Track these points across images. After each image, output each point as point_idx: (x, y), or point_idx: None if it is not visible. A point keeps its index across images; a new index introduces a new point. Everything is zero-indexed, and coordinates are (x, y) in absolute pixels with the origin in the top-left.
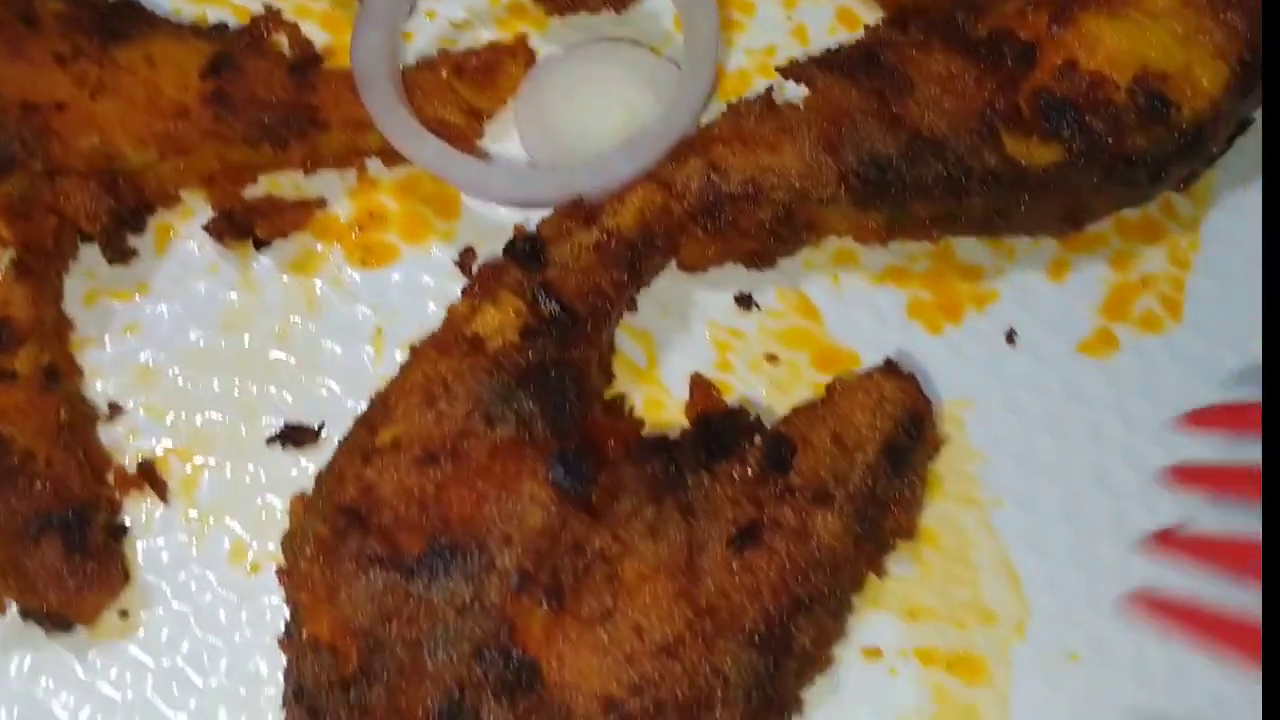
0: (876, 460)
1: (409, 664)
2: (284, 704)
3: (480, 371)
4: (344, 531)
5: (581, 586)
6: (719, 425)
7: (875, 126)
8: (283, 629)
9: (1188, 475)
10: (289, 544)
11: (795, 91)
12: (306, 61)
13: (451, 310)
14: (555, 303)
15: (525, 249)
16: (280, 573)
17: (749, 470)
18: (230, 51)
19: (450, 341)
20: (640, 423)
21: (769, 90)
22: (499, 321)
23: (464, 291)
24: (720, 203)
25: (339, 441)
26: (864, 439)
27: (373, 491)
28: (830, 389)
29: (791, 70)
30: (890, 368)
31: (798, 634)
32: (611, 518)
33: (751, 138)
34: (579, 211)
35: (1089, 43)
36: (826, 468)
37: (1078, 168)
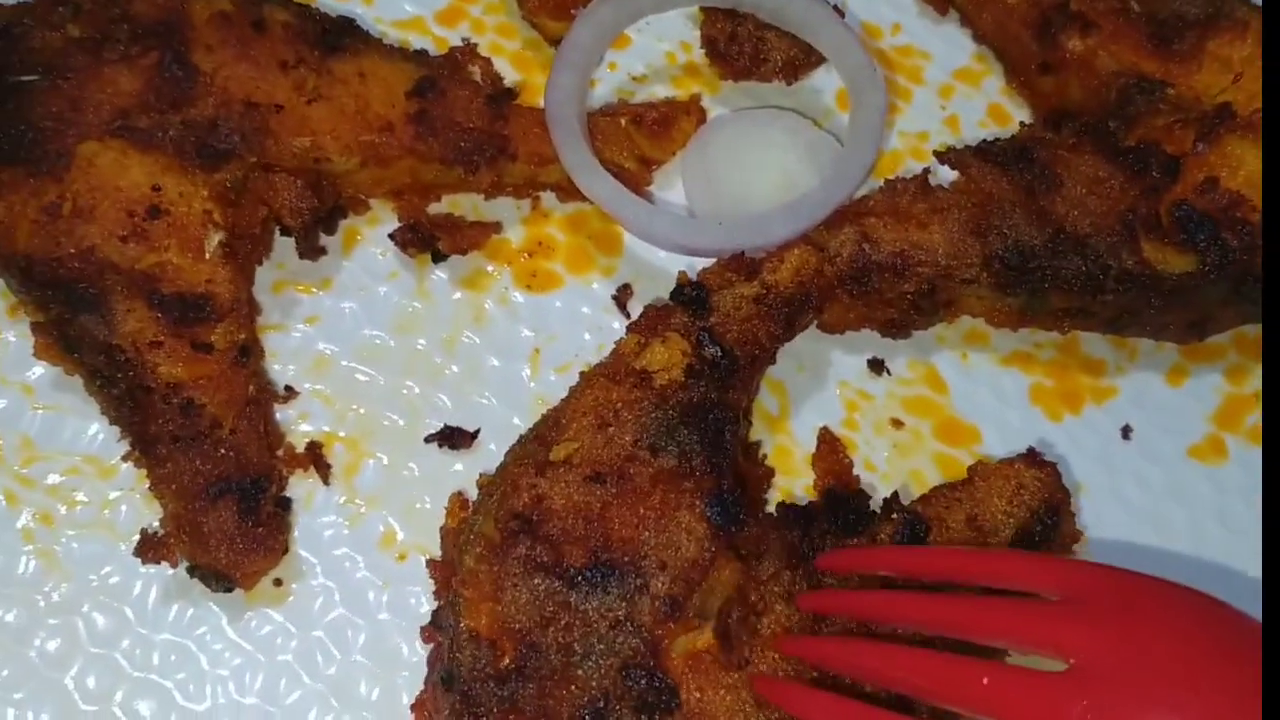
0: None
1: (560, 669)
2: (428, 688)
3: (648, 404)
4: (514, 536)
5: (741, 635)
6: (848, 502)
7: (1022, 217)
8: (428, 617)
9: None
10: (450, 539)
11: (947, 175)
12: (502, 94)
13: (622, 345)
14: (717, 347)
15: (692, 295)
16: (432, 564)
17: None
18: (435, 76)
19: (621, 372)
20: (771, 471)
21: (925, 171)
22: (666, 359)
23: (629, 328)
24: (868, 271)
25: (499, 449)
26: (999, 524)
27: (544, 502)
28: (971, 471)
29: (948, 156)
30: (1032, 456)
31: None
32: (757, 572)
33: (904, 214)
34: (741, 265)
35: (1231, 164)
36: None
37: (1209, 279)
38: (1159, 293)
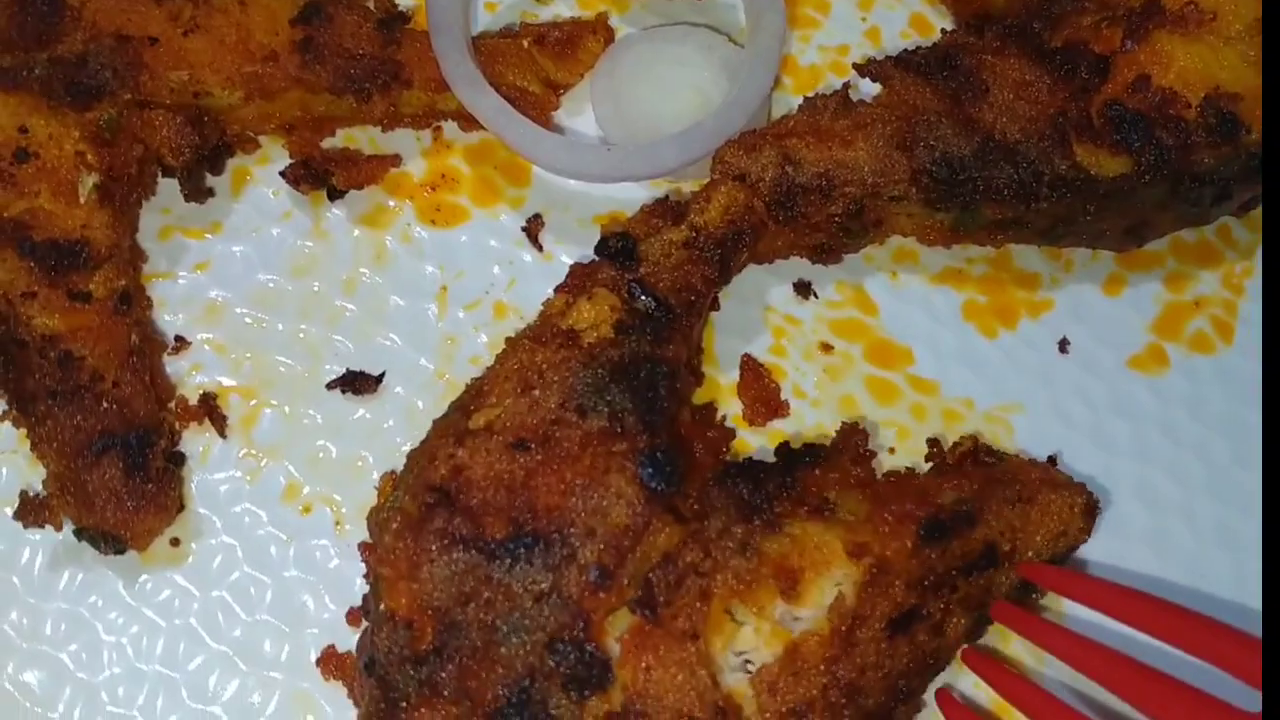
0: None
1: (482, 647)
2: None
3: (575, 363)
4: (431, 510)
5: (673, 599)
6: (802, 455)
7: (949, 127)
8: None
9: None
10: (374, 518)
11: (870, 90)
12: (394, 17)
13: (547, 305)
14: (650, 298)
15: (618, 247)
16: (363, 545)
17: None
18: (320, 1)
19: (546, 334)
20: (731, 432)
21: (845, 86)
22: (594, 316)
23: (557, 289)
24: (793, 194)
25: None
26: (1030, 549)
27: (463, 473)
28: (1025, 489)
29: (868, 68)
30: (1087, 499)
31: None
32: (702, 534)
33: (827, 132)
34: (667, 209)
35: (1162, 60)
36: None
37: (1144, 181)
38: (1094, 198)
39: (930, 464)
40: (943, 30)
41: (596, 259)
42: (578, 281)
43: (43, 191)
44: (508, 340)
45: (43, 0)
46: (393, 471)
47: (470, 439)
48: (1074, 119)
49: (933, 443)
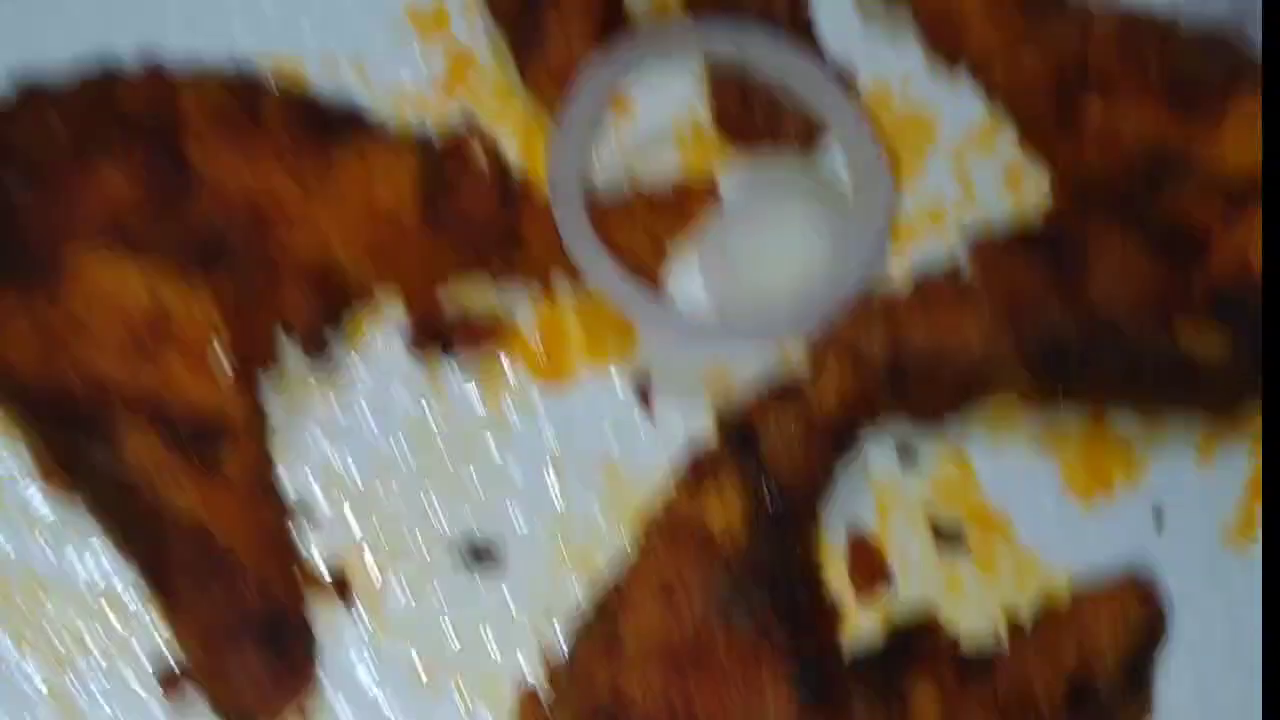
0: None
1: None
2: None
3: (713, 567)
4: None
5: None
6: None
7: (1055, 306)
8: None
9: None
10: None
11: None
12: (512, 182)
13: (672, 500)
14: (776, 490)
15: (740, 437)
16: None
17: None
18: (442, 165)
19: (679, 533)
20: (837, 610)
21: (954, 265)
22: (724, 514)
23: (679, 476)
24: (903, 371)
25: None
26: (1104, 652)
27: (622, 693)
28: (1075, 600)
29: (978, 248)
30: (1134, 581)
31: None
32: None
33: (936, 309)
34: (782, 393)
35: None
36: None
37: (1245, 361)
38: (1196, 378)
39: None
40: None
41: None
42: (699, 469)
43: (176, 362)
44: (640, 536)
45: (171, 163)
46: (532, 692)
47: (623, 657)
48: (1176, 299)
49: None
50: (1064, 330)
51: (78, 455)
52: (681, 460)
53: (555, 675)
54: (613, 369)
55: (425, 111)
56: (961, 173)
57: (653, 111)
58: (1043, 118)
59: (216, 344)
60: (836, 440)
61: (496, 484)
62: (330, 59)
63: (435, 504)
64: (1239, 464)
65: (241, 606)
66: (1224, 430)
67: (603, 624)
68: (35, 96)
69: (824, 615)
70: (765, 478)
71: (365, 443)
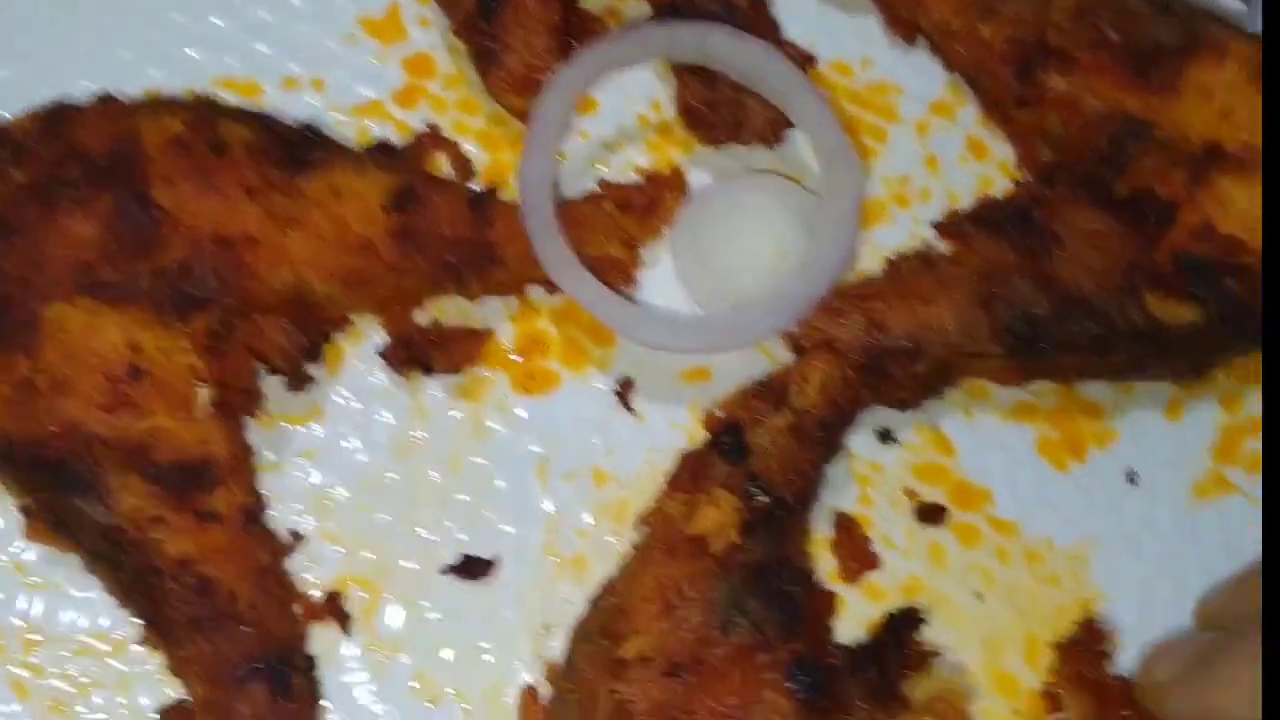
0: None
1: None
2: None
3: (710, 576)
4: None
5: None
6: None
7: (1027, 283)
8: None
9: None
10: None
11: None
12: (485, 195)
13: (667, 506)
14: (766, 494)
15: (729, 443)
16: None
17: None
18: (411, 184)
19: (675, 544)
20: (831, 597)
21: (925, 247)
22: (718, 520)
23: (670, 482)
24: (881, 359)
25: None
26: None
27: (627, 707)
28: None
29: (948, 227)
30: None
31: None
32: None
33: (909, 293)
34: (766, 392)
35: (1223, 204)
36: None
37: (1215, 328)
38: (1167, 345)
39: None
40: (1017, 182)
41: (706, 452)
42: (690, 476)
43: (159, 409)
44: (636, 548)
45: (138, 206)
46: (533, 690)
47: (626, 671)
48: (1145, 269)
49: None
50: (1036, 306)
51: (67, 510)
52: (671, 466)
53: (552, 676)
54: (593, 375)
55: (388, 124)
56: (925, 149)
57: (618, 110)
58: (1003, 91)
59: (198, 386)
60: (824, 436)
61: (485, 497)
62: (288, 79)
63: (423, 520)
64: (1206, 422)
65: (244, 649)
66: (1192, 390)
67: (604, 639)
68: None
69: (817, 610)
70: (756, 482)
71: (352, 466)
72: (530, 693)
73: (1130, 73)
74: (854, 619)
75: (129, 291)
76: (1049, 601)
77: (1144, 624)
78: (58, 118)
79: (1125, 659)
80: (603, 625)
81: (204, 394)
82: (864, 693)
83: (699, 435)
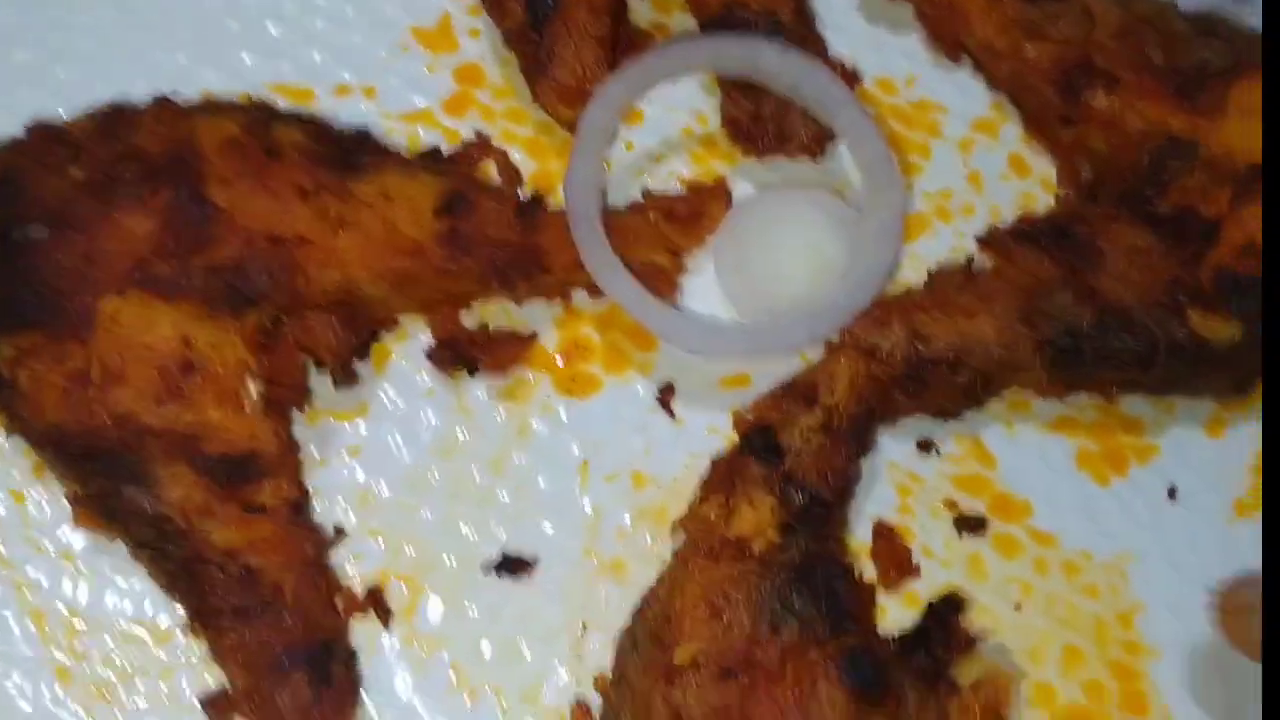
0: None
1: None
2: None
3: (754, 577)
4: None
5: None
6: (948, 607)
7: (1068, 297)
8: None
9: None
10: None
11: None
12: (533, 202)
13: (704, 513)
14: (803, 493)
15: (762, 444)
16: None
17: None
18: (461, 189)
19: (716, 548)
20: (871, 589)
21: (969, 261)
22: (757, 521)
23: (705, 487)
24: (923, 369)
25: (557, 574)
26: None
27: (683, 713)
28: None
29: (990, 242)
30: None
31: None
32: (903, 712)
33: (951, 305)
34: (796, 392)
35: None
36: None
37: (1257, 345)
38: (1208, 362)
39: None
40: (1057, 196)
41: (739, 454)
42: (725, 479)
43: (209, 403)
44: (676, 555)
45: (194, 203)
46: (583, 705)
47: (679, 677)
48: (1187, 285)
49: None
50: (1077, 319)
51: (116, 499)
52: (707, 469)
53: (602, 687)
54: (634, 379)
55: (438, 131)
56: (968, 166)
57: (663, 121)
58: (1047, 109)
59: (248, 381)
60: (857, 439)
61: (526, 497)
62: (341, 86)
63: (466, 518)
64: (1248, 439)
65: (287, 639)
66: (1233, 408)
67: (654, 647)
68: (51, 141)
69: (862, 603)
70: (791, 481)
71: (396, 464)
72: (581, 708)
73: (1174, 93)
74: (893, 626)
75: (183, 287)
76: (1087, 613)
77: (1183, 638)
78: (114, 119)
79: (1162, 672)
80: (651, 634)
81: (253, 389)
82: (913, 678)
83: (738, 442)
